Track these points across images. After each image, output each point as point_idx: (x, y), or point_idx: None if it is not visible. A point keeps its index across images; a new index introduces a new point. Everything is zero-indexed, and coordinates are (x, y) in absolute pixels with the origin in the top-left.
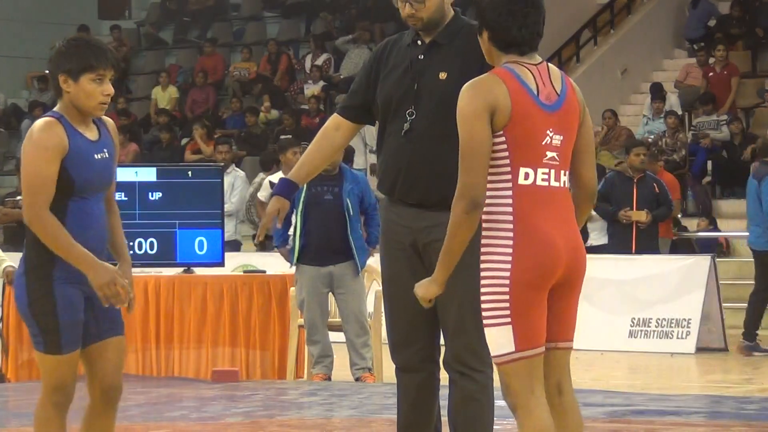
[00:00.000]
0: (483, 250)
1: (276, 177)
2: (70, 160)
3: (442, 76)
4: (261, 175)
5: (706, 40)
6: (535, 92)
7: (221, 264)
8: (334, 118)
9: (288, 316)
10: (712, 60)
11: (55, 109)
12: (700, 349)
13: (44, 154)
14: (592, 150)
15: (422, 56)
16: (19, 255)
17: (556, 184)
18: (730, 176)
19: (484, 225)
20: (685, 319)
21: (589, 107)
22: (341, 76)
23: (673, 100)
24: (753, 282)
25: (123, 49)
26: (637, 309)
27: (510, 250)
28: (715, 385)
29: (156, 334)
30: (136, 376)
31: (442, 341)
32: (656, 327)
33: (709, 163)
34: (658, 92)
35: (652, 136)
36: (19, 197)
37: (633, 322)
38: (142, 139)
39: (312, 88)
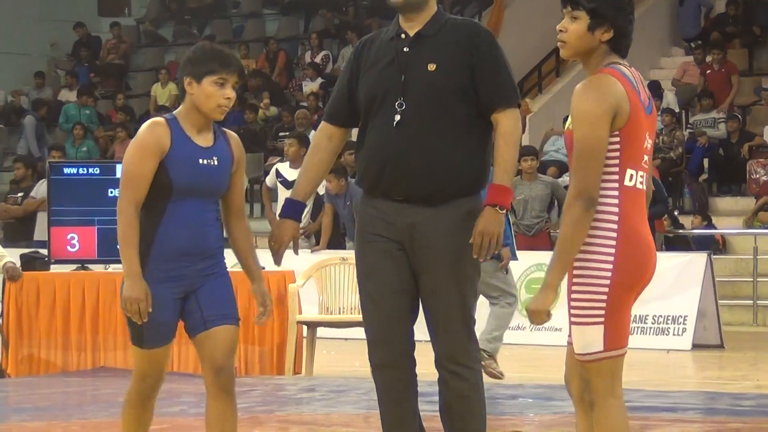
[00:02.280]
0: (582, 248)
1: (283, 166)
2: (170, 162)
3: (431, 67)
4: None
5: (703, 39)
6: (639, 93)
7: None
8: (324, 128)
9: (287, 313)
10: (709, 58)
11: (175, 111)
12: (696, 346)
13: (140, 151)
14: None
15: (408, 48)
16: (18, 251)
17: (643, 188)
18: (727, 174)
19: None
20: (681, 316)
21: None
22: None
23: (670, 98)
24: (749, 279)
25: (122, 46)
26: (634, 306)
27: (612, 251)
28: (711, 382)
29: None
30: None
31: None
32: (653, 324)
33: (706, 161)
34: (655, 90)
35: None
36: (20, 194)
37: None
38: None
39: (310, 86)
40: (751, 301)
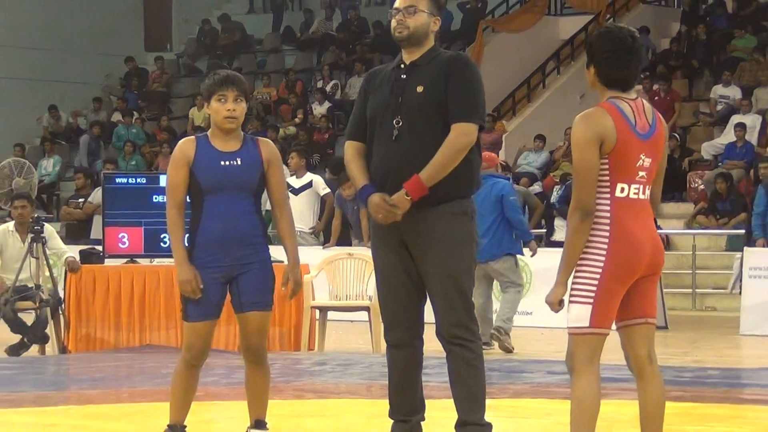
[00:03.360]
0: None
1: (291, 178)
2: (197, 167)
3: (420, 89)
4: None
5: (651, 70)
6: (633, 123)
7: None
8: (349, 145)
9: (302, 299)
10: (656, 87)
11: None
12: None
13: (172, 164)
14: (663, 171)
15: (404, 75)
16: (78, 247)
17: (643, 197)
18: (671, 183)
19: None
20: None
21: (553, 126)
22: (350, 98)
23: None
24: (689, 271)
25: (165, 76)
26: None
27: (605, 247)
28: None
29: None
30: (176, 349)
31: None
32: None
33: None
34: None
35: None
36: (81, 199)
37: None
38: None
39: (319, 109)
40: (691, 290)
